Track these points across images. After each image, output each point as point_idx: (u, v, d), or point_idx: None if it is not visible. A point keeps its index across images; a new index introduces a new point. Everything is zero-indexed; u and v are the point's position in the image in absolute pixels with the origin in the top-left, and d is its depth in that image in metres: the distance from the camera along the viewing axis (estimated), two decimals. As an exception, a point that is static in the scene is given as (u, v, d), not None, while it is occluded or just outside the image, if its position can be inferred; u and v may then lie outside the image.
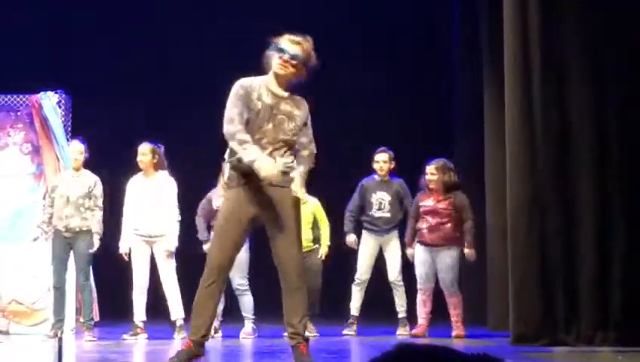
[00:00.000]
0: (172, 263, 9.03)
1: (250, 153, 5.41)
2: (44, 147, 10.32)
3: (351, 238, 9.29)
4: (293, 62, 5.61)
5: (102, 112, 11.58)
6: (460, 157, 10.86)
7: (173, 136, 10.53)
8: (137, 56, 12.22)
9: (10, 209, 9.99)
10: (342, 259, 9.61)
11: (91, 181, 9.06)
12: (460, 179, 9.14)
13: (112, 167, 9.63)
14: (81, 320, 9.07)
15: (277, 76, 5.66)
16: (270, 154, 5.52)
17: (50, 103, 10.33)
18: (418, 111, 12.71)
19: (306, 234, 8.83)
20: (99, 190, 9.05)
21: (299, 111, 5.71)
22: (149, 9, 12.20)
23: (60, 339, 5.85)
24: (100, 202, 9.02)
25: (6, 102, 10.46)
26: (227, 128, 5.50)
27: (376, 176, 9.42)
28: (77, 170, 9.13)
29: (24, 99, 10.38)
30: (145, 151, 9.03)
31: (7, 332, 9.19)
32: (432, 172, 8.94)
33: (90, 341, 8.75)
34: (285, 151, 5.62)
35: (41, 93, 10.31)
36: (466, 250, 8.96)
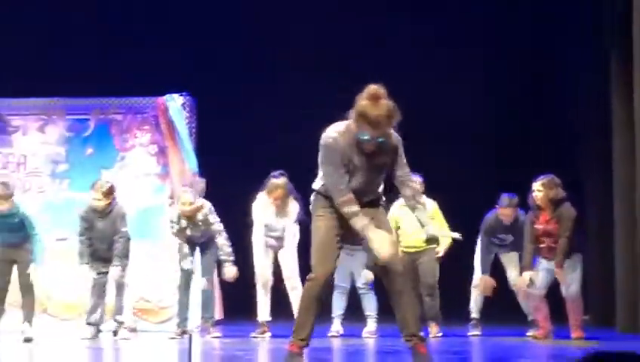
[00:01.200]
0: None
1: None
2: (170, 148, 10.54)
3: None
4: (380, 145, 5.45)
5: (226, 115, 11.74)
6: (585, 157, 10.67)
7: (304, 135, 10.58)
8: (261, 57, 12.32)
9: (137, 208, 10.22)
10: (457, 260, 9.49)
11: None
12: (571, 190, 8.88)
13: (239, 168, 9.74)
14: (205, 317, 9.23)
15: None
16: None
17: (176, 105, 10.55)
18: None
19: (418, 235, 8.76)
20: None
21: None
22: (274, 8, 12.28)
23: (190, 336, 5.95)
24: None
25: (133, 104, 10.72)
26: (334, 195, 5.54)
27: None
28: None
29: (150, 101, 10.62)
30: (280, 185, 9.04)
31: (134, 330, 9.41)
32: (538, 189, 8.71)
33: (215, 337, 8.89)
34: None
35: (167, 95, 10.53)
36: (556, 269, 8.64)
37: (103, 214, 9.14)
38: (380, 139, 5.39)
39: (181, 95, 10.54)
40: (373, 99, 5.31)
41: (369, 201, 5.63)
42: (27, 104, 10.77)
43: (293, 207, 9.06)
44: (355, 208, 5.44)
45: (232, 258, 9.04)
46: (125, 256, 9.17)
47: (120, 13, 11.78)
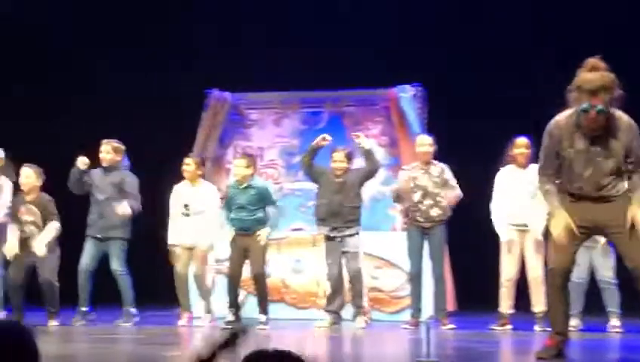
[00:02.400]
0: (540, 255, 8.85)
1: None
2: (401, 140, 10.56)
3: None
4: (601, 115, 5.40)
5: (455, 106, 11.63)
6: None
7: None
8: (490, 47, 12.12)
9: (367, 199, 10.29)
10: None
11: (440, 169, 9.10)
12: None
13: (468, 158, 9.61)
14: (437, 308, 9.17)
15: (586, 129, 5.49)
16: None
17: (407, 97, 10.56)
18: None
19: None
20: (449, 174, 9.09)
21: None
22: None
23: (427, 326, 5.92)
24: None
25: (365, 96, 10.82)
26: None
27: None
28: (426, 163, 9.14)
29: (382, 93, 10.68)
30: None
31: (369, 319, 9.49)
32: None
33: (449, 329, 8.83)
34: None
35: (399, 86, 10.55)
36: None
37: None
38: (599, 108, 5.36)
39: (413, 86, 10.54)
40: (590, 69, 5.42)
41: (601, 196, 5.48)
42: (264, 98, 11.08)
43: None
44: (549, 187, 5.65)
45: None
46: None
47: (349, 4, 11.88)
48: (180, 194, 9.44)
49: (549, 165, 5.66)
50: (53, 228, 9.11)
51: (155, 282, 10.17)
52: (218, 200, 9.49)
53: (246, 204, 9.11)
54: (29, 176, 9.24)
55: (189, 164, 9.45)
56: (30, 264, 9.14)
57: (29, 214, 9.21)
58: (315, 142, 9.31)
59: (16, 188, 9.36)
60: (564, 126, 5.52)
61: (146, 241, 9.74)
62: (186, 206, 9.34)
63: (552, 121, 5.62)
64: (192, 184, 9.43)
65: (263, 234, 9.05)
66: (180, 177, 9.51)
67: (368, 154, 9.21)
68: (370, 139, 10.72)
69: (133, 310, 9.33)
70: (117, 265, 9.27)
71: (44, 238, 9.05)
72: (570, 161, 5.52)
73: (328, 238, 9.20)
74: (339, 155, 9.23)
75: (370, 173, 9.31)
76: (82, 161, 9.25)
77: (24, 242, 9.15)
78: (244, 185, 9.16)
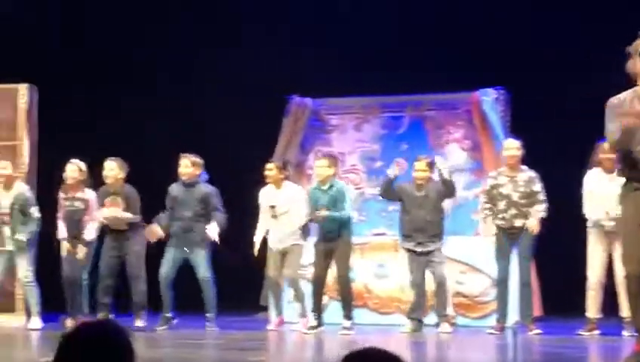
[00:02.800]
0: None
1: None
2: (484, 144, 10.47)
3: None
4: None
5: (541, 109, 11.47)
6: None
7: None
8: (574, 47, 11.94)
9: (451, 204, 10.20)
10: None
11: (527, 178, 8.95)
12: None
13: (552, 160, 9.47)
14: (524, 313, 9.04)
15: None
16: None
17: (489, 100, 10.46)
18: None
19: None
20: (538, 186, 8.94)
21: None
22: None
23: (514, 331, 5.85)
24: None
25: (446, 100, 10.74)
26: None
27: None
28: (513, 168, 9.01)
29: (464, 96, 10.59)
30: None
31: (454, 324, 9.40)
32: None
33: (536, 334, 8.70)
34: None
35: (481, 90, 10.46)
36: None
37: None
38: None
39: (495, 89, 10.44)
40: None
41: None
42: (344, 103, 11.08)
43: None
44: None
45: None
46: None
47: (429, 8, 11.82)
48: (266, 197, 9.51)
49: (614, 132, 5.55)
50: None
51: (239, 288, 10.25)
52: (304, 199, 9.49)
53: (329, 206, 9.10)
54: (113, 168, 9.43)
55: (271, 169, 9.50)
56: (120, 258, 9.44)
57: (114, 205, 9.37)
58: (390, 172, 9.28)
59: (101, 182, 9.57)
60: (624, 96, 5.51)
61: (228, 246, 9.80)
62: (272, 207, 9.39)
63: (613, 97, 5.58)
64: (277, 187, 9.48)
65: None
66: (262, 183, 9.58)
67: (446, 183, 9.16)
68: (452, 144, 10.66)
69: (210, 315, 9.39)
70: (204, 273, 9.37)
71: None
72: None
73: (412, 251, 9.18)
74: (420, 165, 9.18)
75: (447, 196, 9.30)
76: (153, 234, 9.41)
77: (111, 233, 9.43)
78: (327, 185, 9.16)
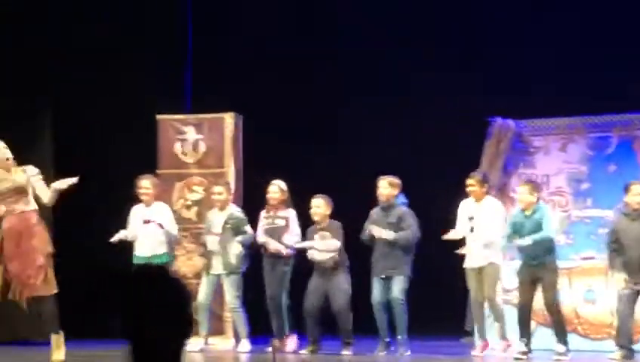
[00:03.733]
0: None
1: None
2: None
3: None
4: None
5: None
6: None
7: None
8: None
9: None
10: None
11: None
12: None
13: None
14: None
15: None
16: None
17: None
18: None
19: None
20: None
21: None
22: None
23: None
24: None
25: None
26: None
27: None
28: None
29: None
30: None
31: None
32: None
33: None
34: None
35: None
36: None
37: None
38: None
39: None
40: None
41: None
42: (548, 124, 10.83)
43: None
44: None
45: None
46: None
47: (628, 24, 11.44)
48: (464, 210, 9.47)
49: None
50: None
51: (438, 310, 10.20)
52: (502, 215, 9.38)
53: (532, 233, 8.92)
54: (319, 205, 9.58)
55: (472, 185, 9.42)
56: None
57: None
58: None
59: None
60: None
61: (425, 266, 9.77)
62: (470, 218, 9.32)
63: None
64: (477, 200, 9.45)
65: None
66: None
67: None
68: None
69: (401, 338, 9.40)
70: (397, 294, 9.36)
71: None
72: None
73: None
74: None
75: None
76: None
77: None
78: (530, 211, 9.00)
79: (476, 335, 9.56)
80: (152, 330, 2.70)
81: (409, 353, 9.33)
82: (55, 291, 7.84)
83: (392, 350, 9.38)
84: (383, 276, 9.43)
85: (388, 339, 9.43)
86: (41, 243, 7.88)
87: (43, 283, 7.79)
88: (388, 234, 9.35)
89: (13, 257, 7.78)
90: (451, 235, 9.37)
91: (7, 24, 10.88)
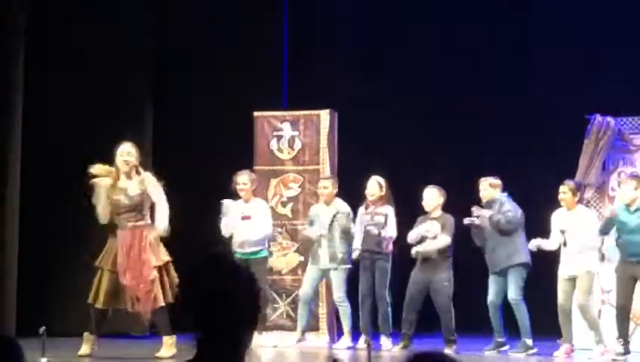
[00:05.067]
0: None
1: None
2: None
3: None
4: None
5: None
6: None
7: None
8: None
9: None
10: None
11: None
12: None
13: None
14: None
15: None
16: None
17: None
18: None
19: None
20: None
21: None
22: None
23: None
24: None
25: None
26: None
27: None
28: None
29: None
30: None
31: None
32: None
33: None
34: None
35: None
36: None
37: None
38: None
39: None
40: None
41: None
42: (646, 122, 10.62)
43: None
44: None
45: None
46: None
47: None
48: (557, 222, 9.39)
49: None
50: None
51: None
52: (597, 225, 9.28)
53: (637, 228, 8.78)
54: (431, 196, 9.69)
55: (565, 192, 9.34)
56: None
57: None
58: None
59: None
60: None
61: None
62: (562, 232, 9.23)
63: None
64: (569, 209, 9.34)
65: None
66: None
67: None
68: None
69: (529, 341, 9.38)
70: (513, 294, 9.36)
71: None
72: None
73: None
74: None
75: None
76: None
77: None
78: (635, 206, 8.88)
79: (564, 338, 9.40)
80: (220, 320, 2.75)
81: (536, 350, 9.37)
82: (164, 303, 8.10)
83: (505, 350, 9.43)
84: (497, 270, 9.48)
85: (501, 339, 9.51)
86: (154, 255, 8.15)
87: (155, 297, 8.07)
88: (486, 212, 9.40)
89: (126, 270, 8.09)
90: (544, 245, 9.30)
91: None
